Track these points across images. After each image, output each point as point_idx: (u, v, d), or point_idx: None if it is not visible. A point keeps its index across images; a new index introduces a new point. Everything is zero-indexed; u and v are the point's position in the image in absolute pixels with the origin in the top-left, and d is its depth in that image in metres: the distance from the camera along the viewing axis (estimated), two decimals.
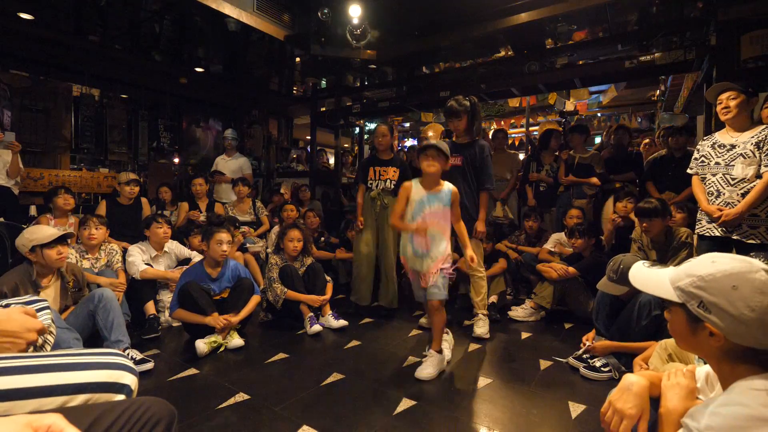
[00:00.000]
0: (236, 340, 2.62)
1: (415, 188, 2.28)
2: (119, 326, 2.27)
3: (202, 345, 2.49)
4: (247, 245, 4.06)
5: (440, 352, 2.30)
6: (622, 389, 0.97)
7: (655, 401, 0.97)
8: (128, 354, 2.24)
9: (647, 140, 5.34)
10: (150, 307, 2.94)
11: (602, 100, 7.88)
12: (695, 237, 2.68)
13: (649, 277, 0.96)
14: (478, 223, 2.85)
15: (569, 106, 7.48)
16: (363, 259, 3.43)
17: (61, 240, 2.25)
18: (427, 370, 2.21)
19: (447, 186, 2.29)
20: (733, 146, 2.42)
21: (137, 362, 2.21)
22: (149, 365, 2.26)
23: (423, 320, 3.11)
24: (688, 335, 0.86)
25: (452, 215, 2.31)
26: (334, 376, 2.22)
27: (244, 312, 2.75)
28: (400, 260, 2.53)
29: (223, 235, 2.80)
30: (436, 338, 2.30)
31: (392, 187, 3.37)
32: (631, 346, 2.16)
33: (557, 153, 4.51)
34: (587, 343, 2.34)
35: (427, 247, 2.24)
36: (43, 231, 2.24)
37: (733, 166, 2.38)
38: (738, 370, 0.80)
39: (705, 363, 1.37)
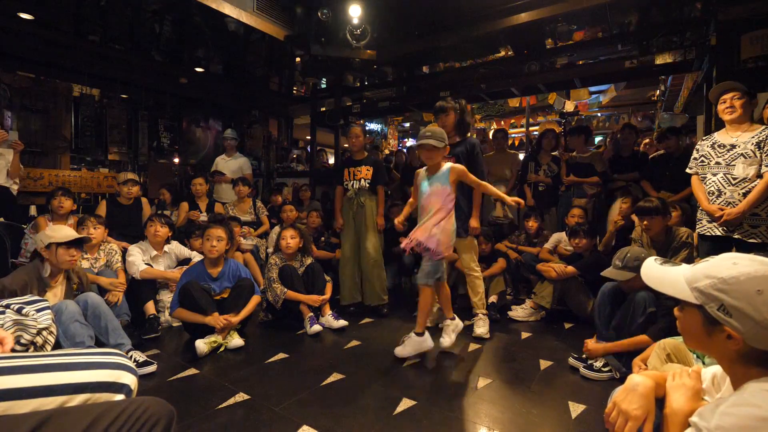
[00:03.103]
0: (236, 340, 2.62)
1: (420, 175, 2.51)
2: (115, 330, 2.26)
3: (202, 345, 2.49)
4: (240, 243, 4.04)
5: (420, 335, 2.44)
6: (627, 390, 0.96)
7: (660, 402, 0.96)
8: (131, 356, 2.23)
9: (647, 140, 5.34)
10: (150, 307, 2.94)
11: (602, 100, 7.89)
12: (695, 236, 2.68)
13: (664, 276, 0.93)
14: (471, 220, 2.85)
15: (569, 106, 7.48)
16: (346, 260, 3.49)
17: (77, 243, 2.26)
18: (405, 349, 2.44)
19: (446, 166, 2.39)
20: (733, 146, 2.42)
21: (140, 365, 2.21)
22: (152, 368, 2.25)
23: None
24: (702, 336, 0.84)
25: (472, 185, 2.40)
26: (334, 376, 2.22)
27: (245, 312, 2.75)
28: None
29: (214, 231, 2.81)
30: (419, 320, 2.46)
31: (367, 185, 3.42)
32: (622, 344, 2.16)
33: (554, 153, 4.50)
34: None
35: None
36: (63, 231, 2.27)
37: (734, 165, 2.38)
38: (751, 372, 0.79)
39: (705, 363, 1.37)
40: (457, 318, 2.61)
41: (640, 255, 2.23)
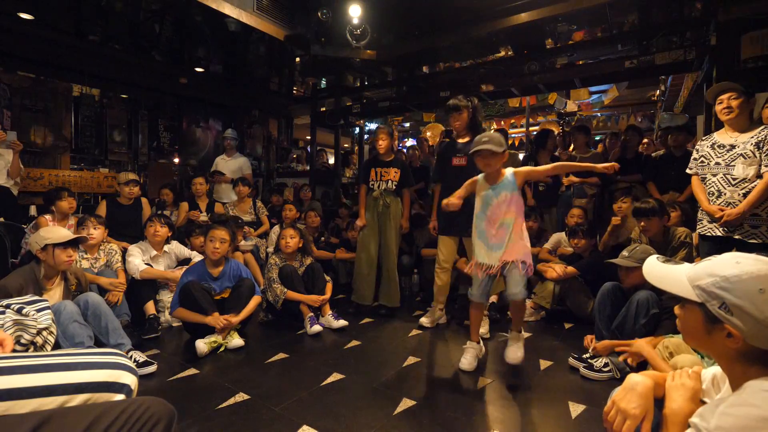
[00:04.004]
0: (236, 340, 2.62)
1: (480, 184, 2.26)
2: (115, 330, 2.26)
3: (202, 345, 2.49)
4: (240, 244, 4.04)
5: (519, 331, 2.33)
6: (627, 389, 0.96)
7: (659, 402, 0.96)
8: (131, 356, 2.23)
9: (646, 140, 5.34)
10: (150, 307, 2.94)
11: (604, 100, 7.88)
12: (695, 236, 2.68)
13: (665, 273, 0.93)
14: None
15: (570, 106, 7.47)
16: (364, 258, 3.45)
17: (73, 243, 2.26)
18: (518, 353, 2.25)
19: (508, 172, 2.20)
20: (732, 146, 2.41)
21: (140, 365, 2.21)
22: (152, 368, 2.25)
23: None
24: (702, 334, 0.85)
25: (547, 174, 2.30)
26: (334, 376, 2.22)
27: (245, 312, 2.75)
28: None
29: (217, 233, 2.80)
30: (516, 322, 2.33)
31: (393, 187, 3.39)
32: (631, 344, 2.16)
33: (555, 153, 4.50)
34: (591, 345, 2.34)
35: (500, 238, 2.17)
36: (59, 231, 2.26)
37: (734, 166, 2.38)
38: (750, 372, 0.79)
39: (708, 364, 1.37)
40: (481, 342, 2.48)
41: (648, 250, 2.26)
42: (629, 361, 1.88)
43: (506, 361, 2.25)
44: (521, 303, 2.29)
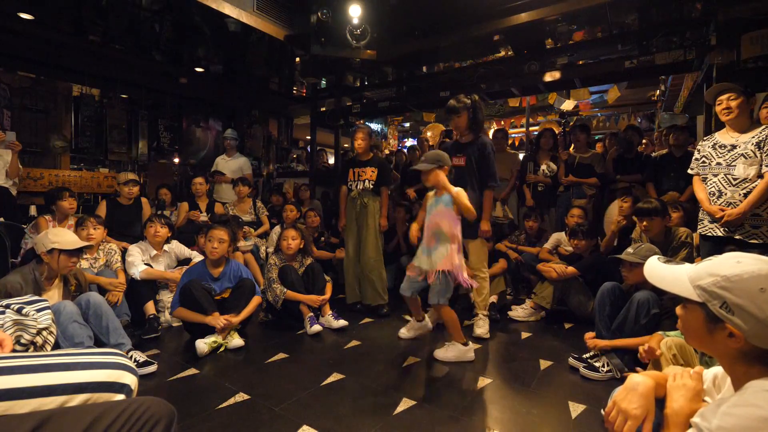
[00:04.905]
0: (236, 340, 2.62)
1: (430, 195, 2.55)
2: (116, 330, 2.26)
3: (202, 345, 2.49)
4: (238, 244, 4.04)
5: (465, 344, 2.47)
6: (628, 389, 0.96)
7: (660, 402, 0.96)
8: (131, 356, 2.23)
9: (645, 140, 5.33)
10: (150, 307, 2.94)
11: (606, 99, 7.87)
12: (695, 237, 2.67)
13: (666, 273, 0.93)
14: (482, 223, 2.81)
15: (569, 105, 7.47)
16: (349, 260, 3.52)
17: (80, 250, 2.25)
18: (447, 353, 2.46)
19: (452, 191, 2.42)
20: (733, 146, 2.41)
21: (140, 365, 2.21)
22: (152, 368, 2.25)
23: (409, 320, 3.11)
24: (704, 334, 0.85)
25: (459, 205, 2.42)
26: (334, 376, 2.22)
27: (245, 313, 2.75)
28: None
29: (216, 233, 2.81)
30: (452, 333, 2.49)
31: (371, 186, 3.42)
32: (630, 342, 2.16)
33: (555, 153, 4.50)
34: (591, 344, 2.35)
35: (431, 244, 2.40)
36: (68, 236, 2.22)
37: (735, 166, 2.38)
38: (752, 372, 0.79)
39: (707, 365, 1.37)
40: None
41: (653, 249, 2.27)
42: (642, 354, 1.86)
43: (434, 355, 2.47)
44: (440, 309, 2.43)
